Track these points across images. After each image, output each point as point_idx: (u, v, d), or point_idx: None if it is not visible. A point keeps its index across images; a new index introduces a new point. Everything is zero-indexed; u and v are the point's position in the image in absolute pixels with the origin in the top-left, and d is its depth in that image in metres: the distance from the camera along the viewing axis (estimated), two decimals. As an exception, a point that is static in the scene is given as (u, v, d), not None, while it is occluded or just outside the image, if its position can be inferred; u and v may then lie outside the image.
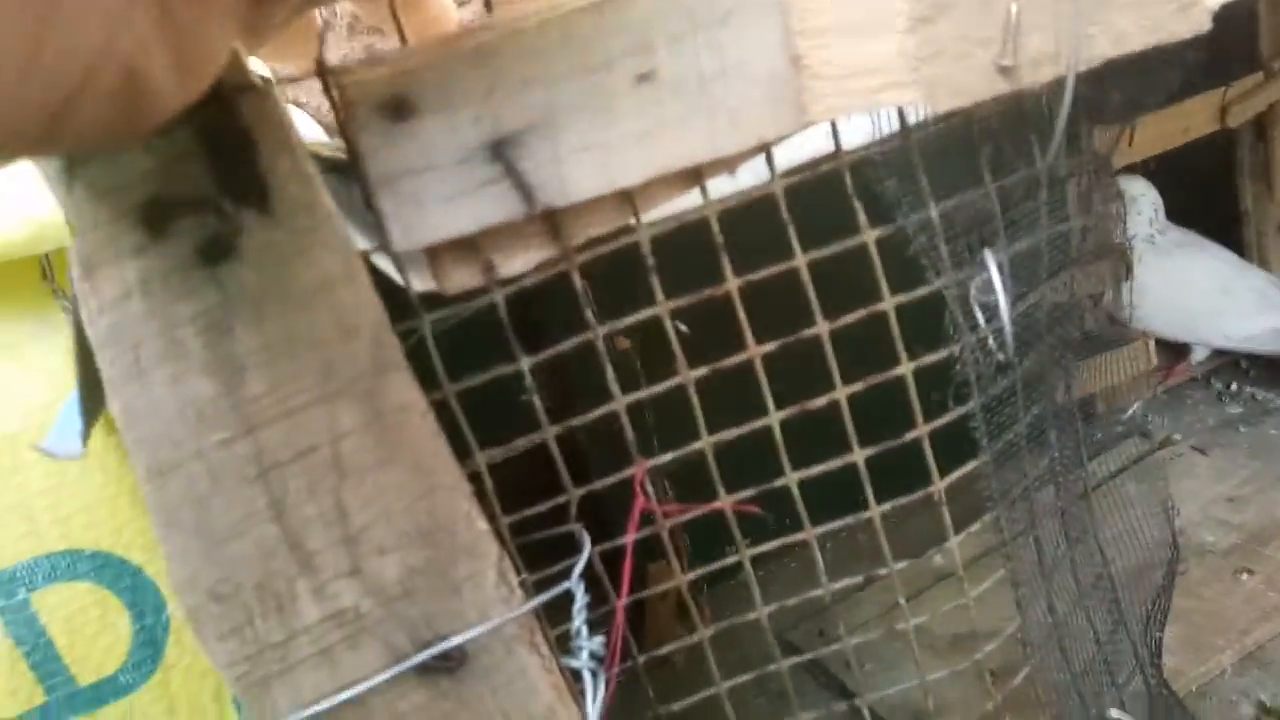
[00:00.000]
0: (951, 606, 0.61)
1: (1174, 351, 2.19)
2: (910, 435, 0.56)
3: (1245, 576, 1.67)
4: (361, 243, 0.46)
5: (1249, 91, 1.98)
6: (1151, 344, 2.18)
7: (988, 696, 1.55)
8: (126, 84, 0.27)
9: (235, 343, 0.43)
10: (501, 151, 0.44)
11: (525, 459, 0.61)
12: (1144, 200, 2.04)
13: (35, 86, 0.24)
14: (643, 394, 0.54)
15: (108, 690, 0.71)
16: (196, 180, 0.40)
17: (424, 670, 0.51)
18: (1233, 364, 2.26)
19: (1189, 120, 1.96)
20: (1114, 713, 0.70)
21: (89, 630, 0.70)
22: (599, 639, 0.52)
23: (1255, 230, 2.19)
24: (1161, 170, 2.03)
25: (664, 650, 0.61)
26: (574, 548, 0.58)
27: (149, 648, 0.71)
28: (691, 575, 0.59)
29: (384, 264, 0.48)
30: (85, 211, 0.40)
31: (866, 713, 0.68)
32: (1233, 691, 1.48)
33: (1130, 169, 2.06)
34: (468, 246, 0.48)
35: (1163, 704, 0.78)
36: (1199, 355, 2.17)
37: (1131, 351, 2.04)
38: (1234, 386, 2.22)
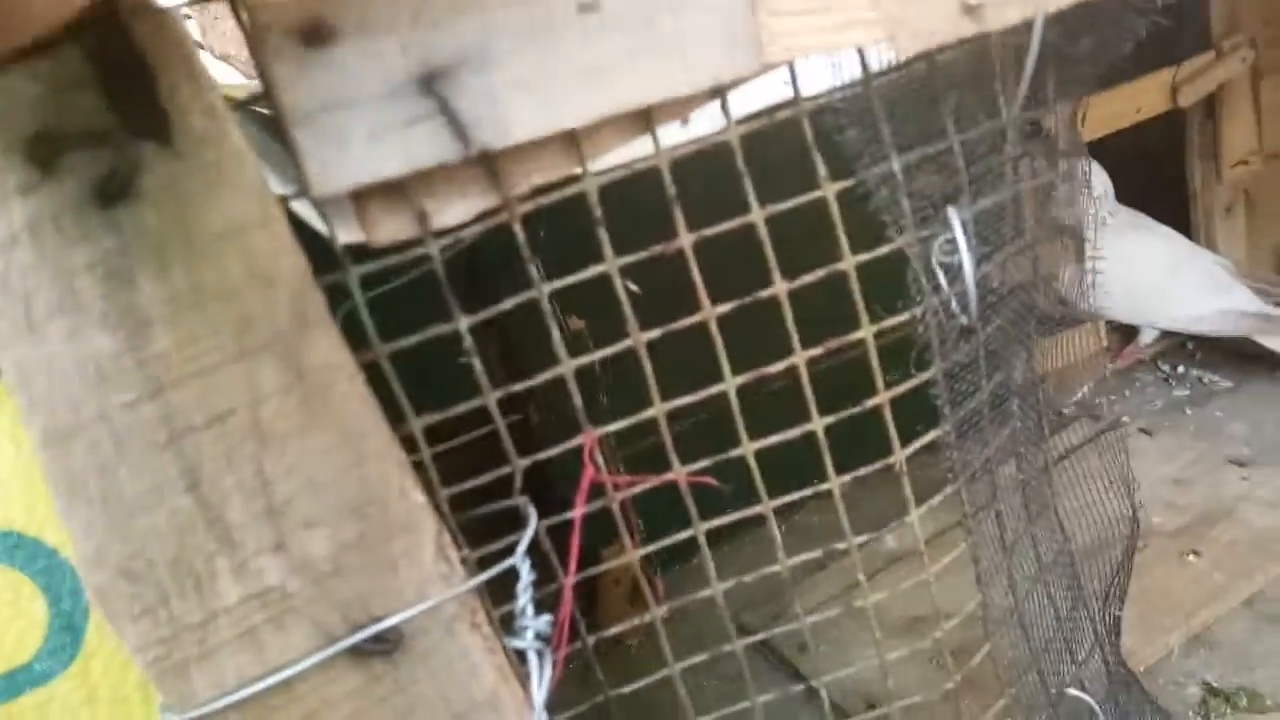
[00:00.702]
0: (911, 584, 0.58)
1: (1122, 333, 2.21)
2: (871, 403, 0.54)
3: (1192, 558, 1.69)
4: (280, 188, 0.42)
5: (1199, 71, 2.00)
6: (1102, 326, 2.21)
7: (943, 677, 1.55)
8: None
9: (138, 293, 0.39)
10: (432, 85, 0.40)
11: (470, 434, 0.57)
12: (1094, 181, 2.05)
13: None
14: (592, 357, 0.51)
15: (22, 679, 0.66)
16: (89, 110, 0.36)
17: (357, 653, 0.47)
18: (1179, 346, 2.28)
19: (1139, 100, 1.97)
20: (1072, 691, 0.68)
21: (3, 614, 0.65)
22: (545, 618, 0.49)
23: (1203, 211, 2.21)
24: (1111, 150, 2.05)
25: (613, 631, 0.58)
26: (519, 524, 0.55)
27: (67, 633, 0.66)
28: (643, 551, 0.56)
29: (306, 212, 0.45)
30: (-38, 145, 0.36)
31: (824, 694, 0.66)
32: (1180, 673, 1.49)
33: (1081, 150, 2.07)
34: (398, 193, 0.44)
35: (1120, 682, 0.77)
36: (1147, 337, 2.20)
37: (1081, 333, 2.05)
38: (1180, 369, 2.24)
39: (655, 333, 0.51)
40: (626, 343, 0.51)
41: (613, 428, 0.53)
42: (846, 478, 0.55)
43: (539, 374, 0.53)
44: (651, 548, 0.58)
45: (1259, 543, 1.69)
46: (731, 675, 0.70)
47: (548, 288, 0.49)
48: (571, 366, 0.51)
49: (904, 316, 0.53)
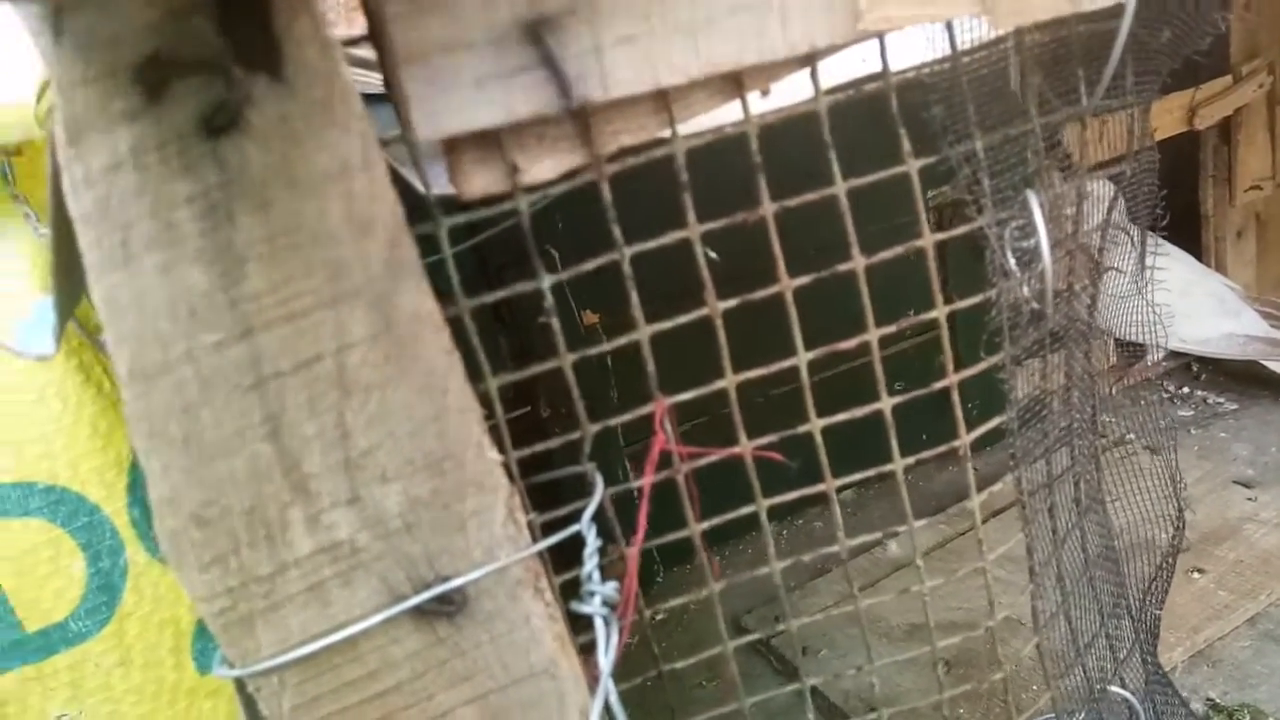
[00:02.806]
0: (918, 589, 0.58)
1: (1128, 352, 2.21)
2: (940, 385, 0.53)
3: (1196, 575, 1.69)
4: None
5: (1217, 94, 2.01)
6: (1111, 343, 2.21)
7: (948, 683, 1.54)
8: None
9: (236, 231, 0.38)
10: (539, 34, 0.40)
11: (525, 401, 0.57)
12: (1113, 201, 2.06)
13: None
14: (670, 324, 0.50)
15: (57, 638, 0.65)
16: (202, 38, 0.35)
17: (421, 613, 0.47)
18: (1184, 367, 2.29)
19: (1157, 121, 1.98)
20: (1115, 688, 0.68)
21: (39, 572, 0.64)
22: (612, 584, 0.49)
23: (1214, 234, 2.22)
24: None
25: (675, 602, 0.57)
26: (573, 494, 0.54)
27: (104, 593, 0.65)
28: (702, 525, 0.55)
29: (395, 163, 0.44)
30: (74, 66, 0.35)
31: (808, 694, 0.65)
32: (1183, 689, 1.49)
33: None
34: (491, 145, 0.43)
35: (1157, 682, 0.76)
36: (1155, 357, 2.20)
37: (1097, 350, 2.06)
38: (1185, 389, 2.25)
39: (731, 302, 0.51)
40: (703, 311, 0.50)
41: (682, 397, 0.52)
42: (910, 460, 0.55)
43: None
44: (711, 523, 0.58)
45: (1263, 562, 1.70)
46: (732, 677, 0.70)
47: (565, 275, 0.48)
48: (647, 333, 0.50)
49: (978, 298, 0.52)
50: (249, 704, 0.46)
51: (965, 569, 0.65)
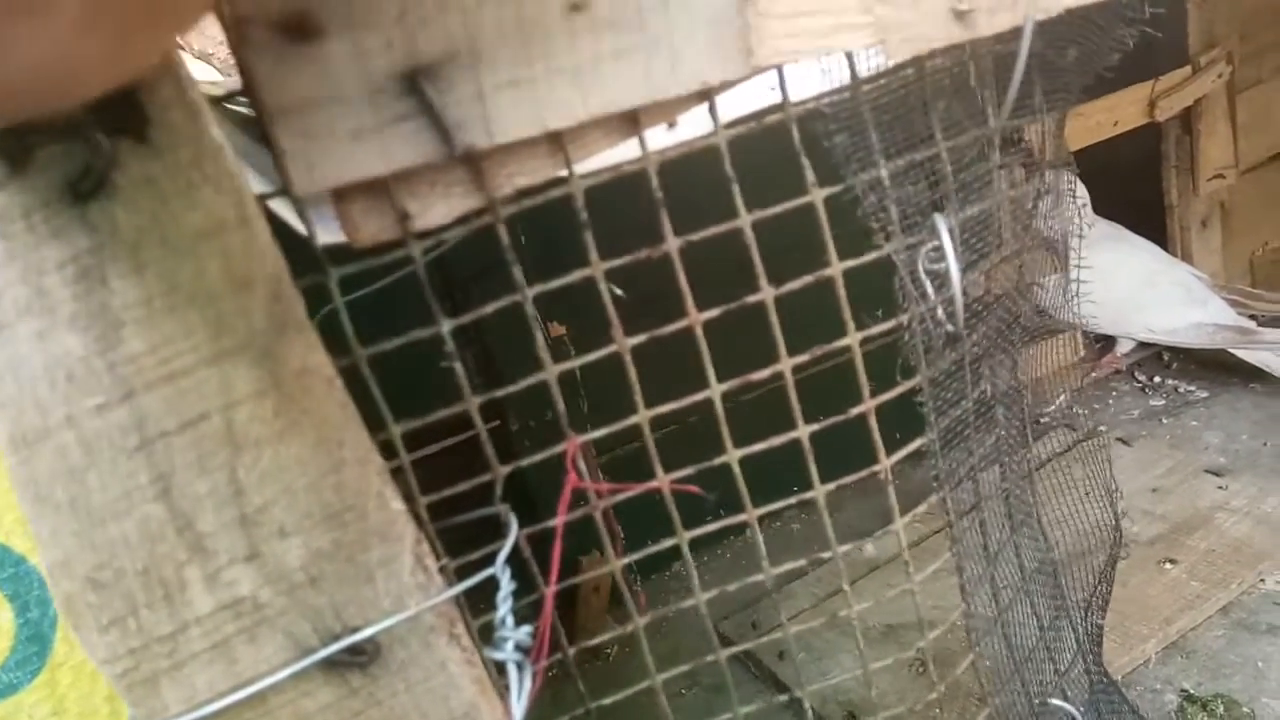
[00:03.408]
0: (896, 591, 0.58)
1: (1099, 343, 2.23)
2: (856, 410, 0.53)
3: (1169, 566, 1.70)
4: (259, 187, 0.41)
5: (1177, 85, 2.02)
6: (1079, 336, 2.22)
7: (920, 685, 1.55)
8: (62, 88, 0.28)
9: (110, 294, 0.38)
10: (417, 84, 0.39)
11: (446, 441, 0.56)
12: (1069, 193, 2.06)
13: None
14: (576, 363, 0.50)
15: (-12, 689, 0.65)
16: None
17: (332, 665, 0.46)
18: (1155, 357, 2.31)
19: (1117, 113, 1.99)
20: (1055, 700, 0.68)
21: (-34, 624, 0.63)
22: (525, 629, 0.48)
23: (1179, 224, 2.24)
24: (1089, 162, 2.06)
25: (595, 641, 0.57)
26: (498, 534, 0.54)
27: (35, 644, 0.65)
28: (625, 560, 0.55)
29: (285, 213, 0.43)
30: (-71, 138, 0.34)
31: (808, 707, 0.65)
32: (1157, 680, 1.50)
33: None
34: (380, 193, 0.43)
35: (1101, 690, 0.77)
36: (1124, 348, 2.22)
37: (1059, 343, 2.07)
38: (1156, 379, 2.27)
39: (640, 338, 0.50)
40: (611, 348, 0.50)
41: (596, 435, 0.52)
42: (831, 485, 0.55)
43: (516, 380, 0.52)
44: (632, 557, 0.58)
45: (1235, 551, 1.71)
46: (711, 685, 0.69)
47: (531, 292, 0.48)
48: (555, 372, 0.50)
49: (890, 324, 0.52)
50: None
51: (939, 566, 0.65)
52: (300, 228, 0.43)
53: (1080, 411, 2.08)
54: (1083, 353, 2.22)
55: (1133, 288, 2.08)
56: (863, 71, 0.49)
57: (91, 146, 0.35)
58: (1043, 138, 0.55)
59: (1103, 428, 2.09)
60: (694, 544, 0.57)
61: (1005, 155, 0.62)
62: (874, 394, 0.54)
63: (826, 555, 0.57)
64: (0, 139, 0.35)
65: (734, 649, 1.47)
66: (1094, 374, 2.20)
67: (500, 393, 0.49)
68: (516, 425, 1.73)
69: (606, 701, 0.57)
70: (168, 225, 0.37)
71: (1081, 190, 2.06)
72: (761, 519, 0.57)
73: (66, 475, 0.39)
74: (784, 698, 1.41)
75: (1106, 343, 2.22)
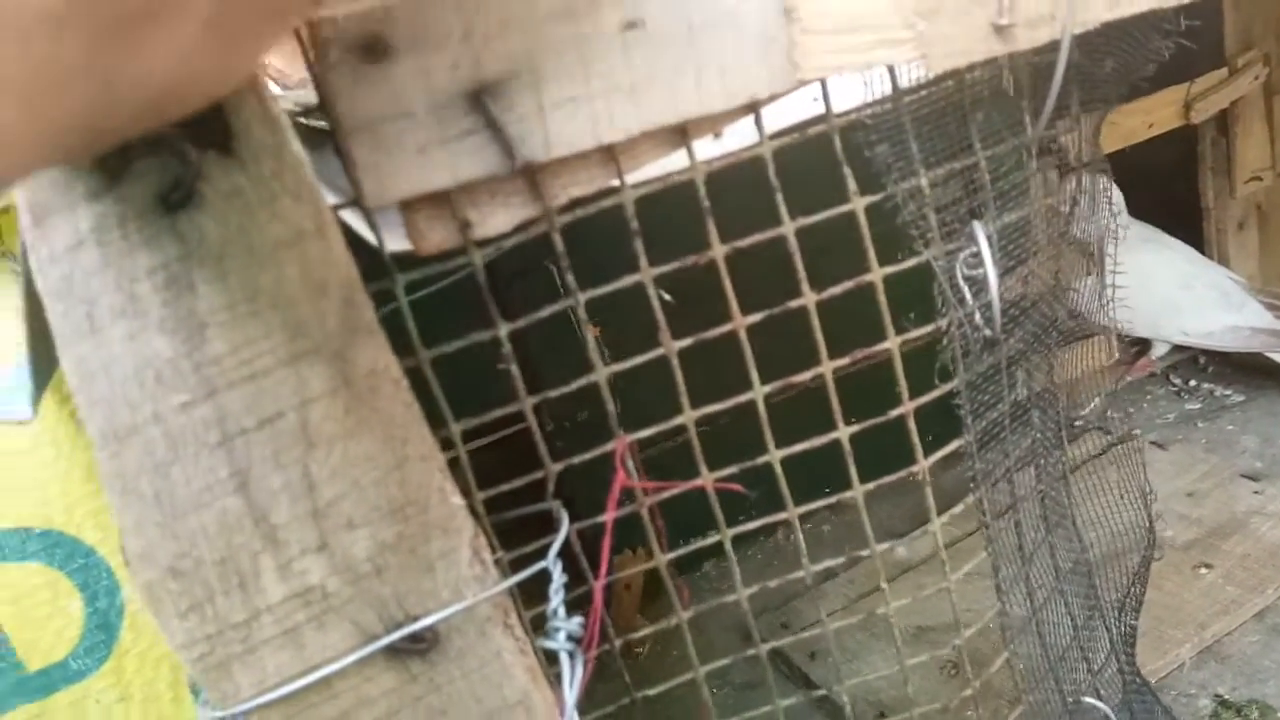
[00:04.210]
0: (933, 590, 0.59)
1: (1135, 346, 2.21)
2: (895, 412, 0.55)
3: (1204, 570, 1.69)
4: (332, 198, 0.43)
5: (1213, 87, 2.00)
6: (1114, 339, 2.21)
7: (952, 686, 1.55)
8: (183, 97, 0.30)
9: (196, 299, 0.40)
10: (481, 101, 0.41)
11: (494, 442, 0.58)
12: (1105, 196, 2.05)
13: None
14: (624, 365, 0.52)
15: (58, 676, 0.68)
16: (156, 122, 0.37)
17: (394, 652, 0.49)
18: (1191, 360, 2.29)
19: (1153, 115, 1.98)
20: (1088, 699, 0.69)
21: (39, 613, 0.66)
22: (577, 619, 0.50)
23: (1215, 227, 2.22)
24: (1124, 165, 2.05)
25: (639, 634, 0.59)
26: (544, 530, 0.56)
27: (102, 632, 0.68)
28: (669, 555, 0.57)
29: (355, 222, 0.46)
30: (33, 153, 0.37)
31: (845, 701, 0.66)
32: (1191, 685, 1.50)
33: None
34: (444, 203, 0.45)
35: (1134, 691, 0.77)
36: (1159, 351, 2.20)
37: (1094, 346, 2.06)
38: (1192, 383, 2.25)
39: (687, 341, 0.52)
40: (659, 351, 0.52)
41: (642, 434, 0.54)
42: (870, 485, 0.56)
43: (553, 380, 0.54)
44: (676, 553, 0.60)
45: (1271, 556, 1.69)
46: (743, 684, 0.71)
47: (584, 296, 0.50)
48: (605, 374, 0.52)
49: (929, 328, 0.54)
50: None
51: (971, 569, 0.66)
52: (369, 236, 0.45)
53: (1114, 415, 2.07)
54: (1117, 356, 2.20)
55: (1168, 291, 2.07)
56: (903, 83, 0.51)
57: (182, 159, 0.38)
58: (1078, 142, 0.56)
59: (1137, 431, 2.08)
60: (719, 549, 0.59)
61: (1040, 160, 0.64)
62: (910, 398, 0.56)
63: (864, 553, 0.59)
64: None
65: (767, 645, 1.48)
66: (1129, 377, 2.19)
67: (554, 393, 0.52)
68: (551, 425, 1.76)
69: (651, 693, 0.59)
70: (251, 234, 0.40)
71: (1116, 193, 2.06)
72: (806, 519, 0.59)
73: (152, 469, 0.42)
74: (817, 694, 1.42)
75: (1141, 346, 2.21)
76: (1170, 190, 2.23)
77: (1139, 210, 2.09)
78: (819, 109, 0.52)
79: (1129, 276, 2.18)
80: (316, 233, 0.41)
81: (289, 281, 0.41)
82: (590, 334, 0.55)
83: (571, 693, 0.49)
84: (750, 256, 0.54)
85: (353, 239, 0.46)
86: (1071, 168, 0.77)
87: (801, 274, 0.51)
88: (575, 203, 0.48)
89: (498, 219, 0.47)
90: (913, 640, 1.70)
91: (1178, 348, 2.20)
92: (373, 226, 0.45)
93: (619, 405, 0.59)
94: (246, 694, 0.47)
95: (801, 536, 0.58)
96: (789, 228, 0.51)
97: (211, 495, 0.43)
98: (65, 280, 0.39)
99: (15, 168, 0.27)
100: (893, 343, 0.53)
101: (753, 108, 0.48)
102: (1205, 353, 2.24)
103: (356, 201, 0.43)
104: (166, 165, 0.38)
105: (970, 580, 0.67)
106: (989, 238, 0.52)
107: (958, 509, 0.60)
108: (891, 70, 0.50)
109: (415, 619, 0.48)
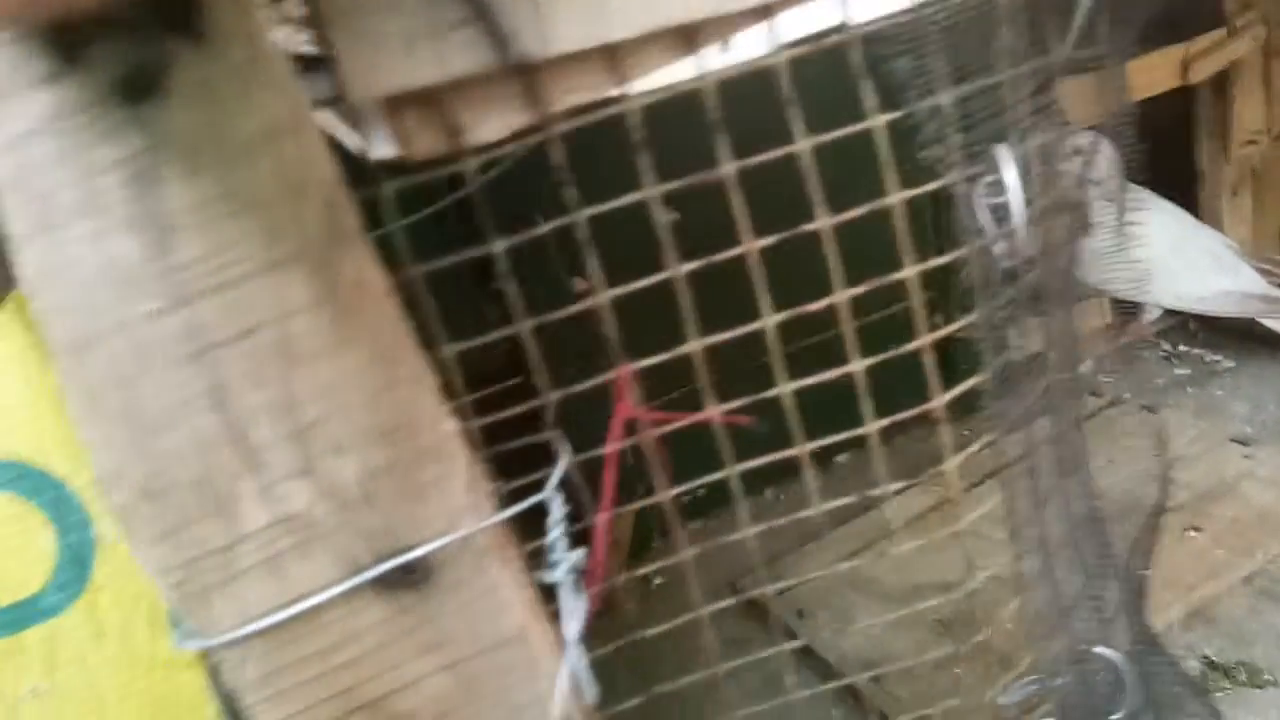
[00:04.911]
0: (946, 532, 0.57)
1: (1125, 311, 2.20)
2: (912, 345, 0.52)
3: (1193, 534, 1.69)
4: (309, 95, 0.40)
5: (1211, 48, 1.98)
6: (1106, 302, 2.19)
7: (940, 646, 1.56)
8: None
9: (164, 199, 0.37)
10: (476, -13, 0.38)
11: (517, 370, 0.56)
12: (1099, 156, 2.03)
13: None
14: (631, 287, 0.49)
15: (30, 611, 0.65)
16: (118, -2, 0.34)
17: (384, 584, 0.46)
18: (1181, 325, 2.28)
19: (1149, 75, 1.95)
20: (1099, 649, 0.68)
21: (9, 544, 0.64)
22: (579, 552, 0.48)
23: (1210, 191, 2.20)
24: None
25: (646, 569, 0.57)
26: (540, 463, 0.53)
27: (75, 567, 0.65)
28: (674, 491, 0.55)
29: (335, 126, 0.43)
30: (-15, 27, 0.34)
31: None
32: (1179, 646, 1.50)
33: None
34: (433, 105, 0.42)
35: (1143, 642, 0.76)
36: (1151, 315, 2.19)
37: (1085, 309, 2.04)
38: (1182, 348, 2.24)
39: (694, 264, 0.49)
40: (665, 274, 0.49)
41: (646, 362, 0.51)
42: (885, 421, 0.54)
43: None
44: (682, 488, 0.57)
45: (1260, 520, 1.70)
46: (727, 639, 0.69)
47: (585, 212, 0.47)
48: (608, 297, 0.49)
49: (948, 257, 0.51)
50: (213, 673, 0.46)
51: (959, 529, 0.65)
52: (353, 141, 0.42)
53: (1106, 379, 2.06)
54: (1109, 319, 2.19)
55: (1161, 254, 2.05)
56: (926, -9, 0.47)
57: (145, 43, 0.35)
58: (1108, 92, 0.53)
59: (1127, 395, 2.08)
60: (721, 498, 0.56)
61: (1037, 115, 0.61)
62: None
63: (876, 493, 0.57)
64: (55, 30, 0.34)
65: (748, 595, 1.47)
66: (1120, 341, 2.18)
67: (560, 314, 0.49)
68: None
69: (650, 633, 0.57)
70: (223, 128, 0.36)
71: (1111, 152, 2.03)
72: (784, 476, 0.57)
73: (119, 382, 0.39)
74: (801, 647, 1.42)
75: (1133, 310, 2.19)
76: (1164, 153, 2.20)
77: (1132, 172, 2.07)
78: (834, 22, 0.49)
79: (1121, 239, 2.15)
80: (294, 128, 0.37)
81: (264, 181, 0.38)
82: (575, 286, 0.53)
83: (574, 625, 0.47)
84: (757, 188, 0.51)
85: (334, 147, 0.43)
86: (1068, 125, 0.74)
87: (817, 196, 0.48)
88: (574, 112, 0.45)
89: (492, 125, 0.44)
90: (900, 601, 1.70)
91: (1169, 312, 2.18)
92: (355, 124, 0.41)
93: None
94: (227, 624, 0.44)
95: (810, 475, 0.55)
96: (804, 145, 0.48)
97: (185, 412, 0.40)
98: (19, 171, 0.35)
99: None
100: (910, 271, 0.50)
101: (768, 11, 0.45)
102: (1195, 318, 2.23)
103: (338, 98, 0.39)
104: (128, 50, 0.35)
105: (961, 541, 0.66)
106: (1014, 161, 0.49)
107: (974, 448, 0.58)
108: (914, -25, 0.47)
109: (407, 549, 0.45)
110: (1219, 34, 1.99)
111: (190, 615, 0.43)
